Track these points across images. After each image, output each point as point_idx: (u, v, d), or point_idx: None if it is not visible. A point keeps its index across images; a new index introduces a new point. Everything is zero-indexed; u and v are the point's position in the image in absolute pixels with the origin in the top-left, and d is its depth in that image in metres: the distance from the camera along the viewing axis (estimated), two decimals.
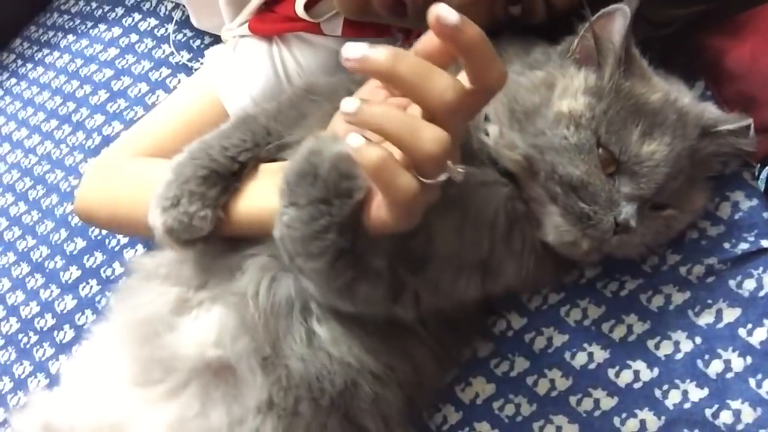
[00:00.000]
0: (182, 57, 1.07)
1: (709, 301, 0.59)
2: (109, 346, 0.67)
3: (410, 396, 0.62)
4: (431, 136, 0.40)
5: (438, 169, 0.41)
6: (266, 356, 0.58)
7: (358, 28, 0.81)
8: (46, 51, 1.26)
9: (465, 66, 0.39)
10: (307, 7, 0.80)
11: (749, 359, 0.56)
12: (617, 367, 0.60)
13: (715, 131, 0.56)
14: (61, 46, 1.24)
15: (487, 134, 0.57)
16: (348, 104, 0.40)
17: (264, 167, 0.62)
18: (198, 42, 1.08)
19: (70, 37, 1.24)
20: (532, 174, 0.55)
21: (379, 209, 0.44)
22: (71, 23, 1.27)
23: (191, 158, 0.61)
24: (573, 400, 0.61)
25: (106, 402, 0.64)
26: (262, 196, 0.60)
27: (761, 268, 0.58)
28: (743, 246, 0.59)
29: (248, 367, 0.58)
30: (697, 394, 0.56)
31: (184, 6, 1.07)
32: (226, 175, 0.61)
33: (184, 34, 1.10)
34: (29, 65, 1.26)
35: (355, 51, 0.39)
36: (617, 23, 0.53)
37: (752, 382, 0.55)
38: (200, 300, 0.62)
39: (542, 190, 0.54)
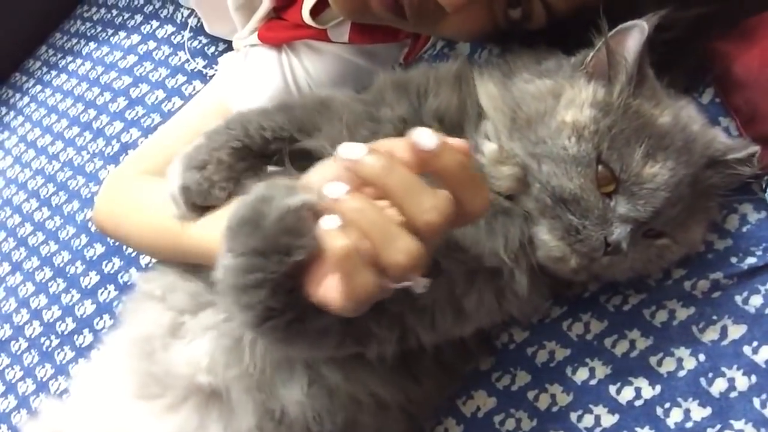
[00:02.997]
0: (197, 64, 1.08)
1: (714, 318, 0.57)
2: (115, 359, 0.69)
3: (411, 418, 0.62)
4: (403, 247, 0.39)
5: (401, 278, 0.41)
6: (259, 395, 0.58)
7: (365, 34, 0.80)
8: (69, 58, 1.29)
9: (447, 190, 0.40)
10: (315, 14, 0.80)
11: (754, 378, 0.54)
12: (618, 384, 0.59)
13: (722, 160, 0.55)
14: (84, 53, 1.27)
15: (482, 152, 0.56)
16: (333, 189, 0.41)
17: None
18: (213, 49, 1.09)
19: (92, 45, 1.26)
20: (526, 187, 0.54)
21: (328, 289, 0.41)
22: (93, 30, 1.29)
23: (227, 128, 0.60)
24: (573, 416, 0.60)
25: (111, 414, 0.65)
26: (216, 224, 0.56)
27: None
28: (750, 260, 0.57)
29: (240, 395, 0.59)
30: (699, 413, 0.55)
31: None
32: (257, 154, 0.59)
33: (200, 41, 1.11)
34: (53, 72, 1.29)
35: (350, 152, 0.40)
36: (633, 40, 0.52)
37: (756, 402, 0.53)
38: (192, 327, 0.62)
39: (534, 205, 0.53)
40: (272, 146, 0.59)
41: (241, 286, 0.43)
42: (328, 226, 0.40)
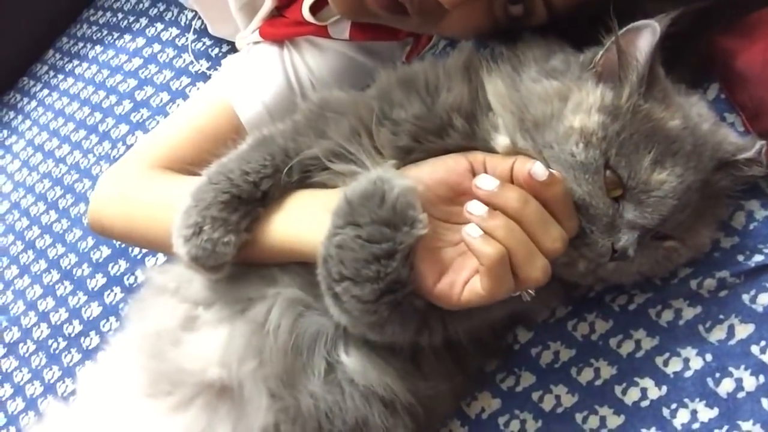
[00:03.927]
0: (201, 66, 1.08)
1: (721, 317, 0.56)
2: (123, 358, 0.69)
3: (419, 425, 0.61)
4: (542, 265, 0.47)
5: (527, 288, 0.49)
6: (275, 387, 0.58)
7: (366, 32, 0.80)
8: (76, 62, 1.30)
9: (551, 213, 0.48)
10: (315, 11, 0.79)
11: (762, 378, 0.53)
12: (624, 384, 0.58)
13: (732, 161, 0.54)
14: (90, 57, 1.28)
15: (497, 144, 0.55)
16: (477, 208, 0.48)
17: (297, 194, 0.61)
18: (216, 51, 1.09)
19: (98, 48, 1.27)
20: None
21: (453, 286, 0.49)
22: (99, 34, 1.30)
23: (210, 183, 0.59)
24: (579, 417, 0.59)
25: (119, 413, 0.65)
26: (298, 221, 0.58)
27: None
28: (758, 258, 0.56)
29: (254, 390, 0.58)
30: (706, 414, 0.54)
31: None
32: (248, 200, 0.59)
33: (203, 43, 1.11)
34: (60, 76, 1.30)
35: (489, 184, 0.48)
36: (645, 40, 0.51)
37: (765, 402, 0.52)
38: (207, 319, 0.62)
39: None
40: (262, 187, 0.59)
41: (368, 256, 0.48)
42: (474, 233, 0.47)
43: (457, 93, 0.56)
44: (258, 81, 0.81)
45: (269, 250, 0.60)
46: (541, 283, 0.48)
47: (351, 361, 0.57)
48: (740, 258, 0.57)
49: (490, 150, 0.54)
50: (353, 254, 0.48)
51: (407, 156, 0.55)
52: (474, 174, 0.51)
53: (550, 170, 0.49)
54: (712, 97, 0.62)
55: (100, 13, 1.33)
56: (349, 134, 0.57)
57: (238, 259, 0.59)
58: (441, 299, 0.50)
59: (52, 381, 0.98)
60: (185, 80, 1.10)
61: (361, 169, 0.56)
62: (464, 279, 0.49)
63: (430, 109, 0.56)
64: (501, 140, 0.54)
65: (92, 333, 0.98)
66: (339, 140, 0.57)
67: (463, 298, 0.49)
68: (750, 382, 0.53)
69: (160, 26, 1.20)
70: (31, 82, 1.35)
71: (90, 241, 1.06)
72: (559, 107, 0.52)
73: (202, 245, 0.57)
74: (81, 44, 1.32)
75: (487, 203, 0.48)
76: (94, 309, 1.00)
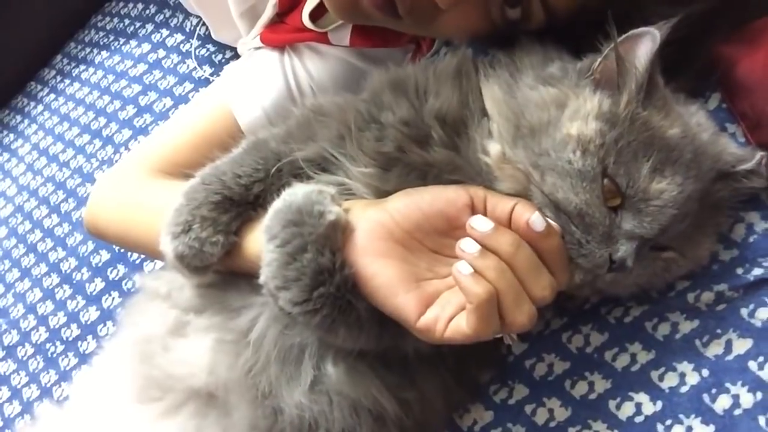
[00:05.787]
0: (205, 72, 1.09)
1: (719, 331, 0.55)
2: (115, 362, 0.68)
3: None
4: (528, 311, 0.47)
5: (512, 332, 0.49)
6: (260, 396, 0.57)
7: (367, 38, 0.79)
8: (82, 67, 1.31)
9: (543, 263, 0.48)
10: (315, 18, 0.79)
11: (759, 395, 0.51)
12: (618, 399, 0.57)
13: (731, 172, 0.53)
14: (96, 62, 1.28)
15: (487, 152, 0.54)
16: (470, 246, 0.47)
17: None
18: (220, 57, 1.10)
19: (104, 54, 1.28)
20: (528, 195, 0.52)
21: (438, 322, 0.47)
22: (106, 39, 1.31)
23: (203, 184, 0.59)
24: (572, 431, 0.58)
25: (110, 418, 0.65)
26: None
27: None
28: (757, 272, 0.55)
29: (240, 398, 0.58)
30: (702, 431, 0.53)
31: None
32: (240, 203, 0.59)
33: (207, 49, 1.12)
34: (67, 81, 1.31)
35: (483, 226, 0.48)
36: (644, 47, 0.50)
37: (762, 420, 0.51)
38: (196, 327, 0.62)
39: None
40: (254, 190, 0.59)
41: (285, 258, 0.49)
42: (465, 271, 0.47)
43: (445, 98, 0.55)
44: (258, 86, 0.81)
45: (252, 259, 0.59)
46: (526, 329, 0.48)
47: (338, 372, 0.56)
48: (739, 271, 0.55)
49: (475, 164, 0.53)
50: (276, 263, 0.49)
51: (390, 167, 0.54)
52: (473, 210, 0.50)
53: (548, 220, 0.48)
54: (714, 107, 0.61)
55: (107, 18, 1.34)
56: (336, 138, 0.57)
57: (223, 266, 0.59)
58: (423, 333, 0.48)
59: (48, 385, 0.98)
60: (188, 86, 1.10)
61: (344, 179, 0.55)
62: (449, 315, 0.48)
63: (417, 113, 0.55)
64: (492, 147, 0.53)
65: (89, 337, 0.98)
66: (325, 144, 0.57)
67: (446, 335, 0.47)
68: (747, 399, 0.52)
69: (165, 32, 1.21)
70: (38, 87, 1.36)
71: (90, 246, 1.06)
72: (556, 114, 0.51)
73: (189, 243, 0.57)
74: (88, 49, 1.33)
75: (480, 243, 0.48)
76: (92, 313, 1.00)
